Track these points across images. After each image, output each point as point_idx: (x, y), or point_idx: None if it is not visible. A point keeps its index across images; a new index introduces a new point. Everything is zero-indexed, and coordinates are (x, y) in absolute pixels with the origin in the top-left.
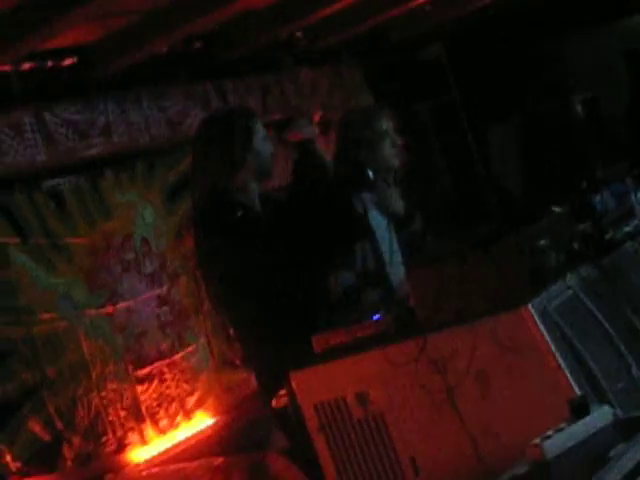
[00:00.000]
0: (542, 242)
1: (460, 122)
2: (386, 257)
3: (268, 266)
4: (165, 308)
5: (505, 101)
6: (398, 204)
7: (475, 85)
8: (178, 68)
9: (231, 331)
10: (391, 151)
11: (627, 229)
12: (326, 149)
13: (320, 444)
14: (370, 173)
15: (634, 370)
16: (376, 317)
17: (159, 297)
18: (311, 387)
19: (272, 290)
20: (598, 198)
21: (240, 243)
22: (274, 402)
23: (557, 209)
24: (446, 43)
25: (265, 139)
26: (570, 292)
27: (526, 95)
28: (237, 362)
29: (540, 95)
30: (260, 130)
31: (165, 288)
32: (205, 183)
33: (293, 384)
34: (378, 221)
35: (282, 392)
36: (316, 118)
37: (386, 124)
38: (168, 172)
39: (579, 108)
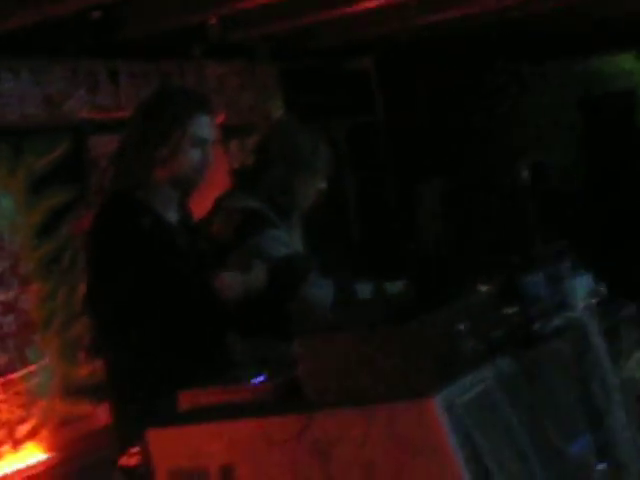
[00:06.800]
0: (461, 326)
1: (382, 152)
2: None
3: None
4: (10, 317)
5: (439, 147)
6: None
7: (406, 114)
8: (67, 40)
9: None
10: (312, 191)
11: (557, 322)
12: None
13: None
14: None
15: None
16: (258, 379)
17: (4, 304)
18: (170, 450)
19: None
20: (530, 280)
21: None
22: (124, 459)
23: (483, 288)
24: (379, 58)
25: (199, 142)
26: (482, 386)
27: (466, 143)
28: None
29: (482, 152)
30: (199, 128)
31: (13, 294)
32: (119, 170)
33: (149, 443)
34: None
35: (134, 449)
36: (219, 119)
37: (326, 157)
38: (37, 159)
39: (525, 174)
